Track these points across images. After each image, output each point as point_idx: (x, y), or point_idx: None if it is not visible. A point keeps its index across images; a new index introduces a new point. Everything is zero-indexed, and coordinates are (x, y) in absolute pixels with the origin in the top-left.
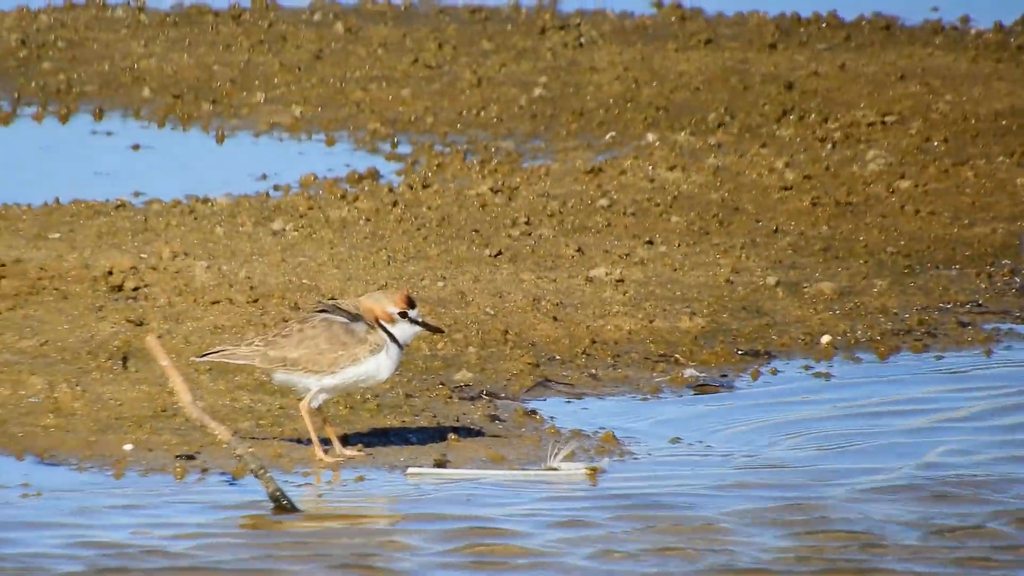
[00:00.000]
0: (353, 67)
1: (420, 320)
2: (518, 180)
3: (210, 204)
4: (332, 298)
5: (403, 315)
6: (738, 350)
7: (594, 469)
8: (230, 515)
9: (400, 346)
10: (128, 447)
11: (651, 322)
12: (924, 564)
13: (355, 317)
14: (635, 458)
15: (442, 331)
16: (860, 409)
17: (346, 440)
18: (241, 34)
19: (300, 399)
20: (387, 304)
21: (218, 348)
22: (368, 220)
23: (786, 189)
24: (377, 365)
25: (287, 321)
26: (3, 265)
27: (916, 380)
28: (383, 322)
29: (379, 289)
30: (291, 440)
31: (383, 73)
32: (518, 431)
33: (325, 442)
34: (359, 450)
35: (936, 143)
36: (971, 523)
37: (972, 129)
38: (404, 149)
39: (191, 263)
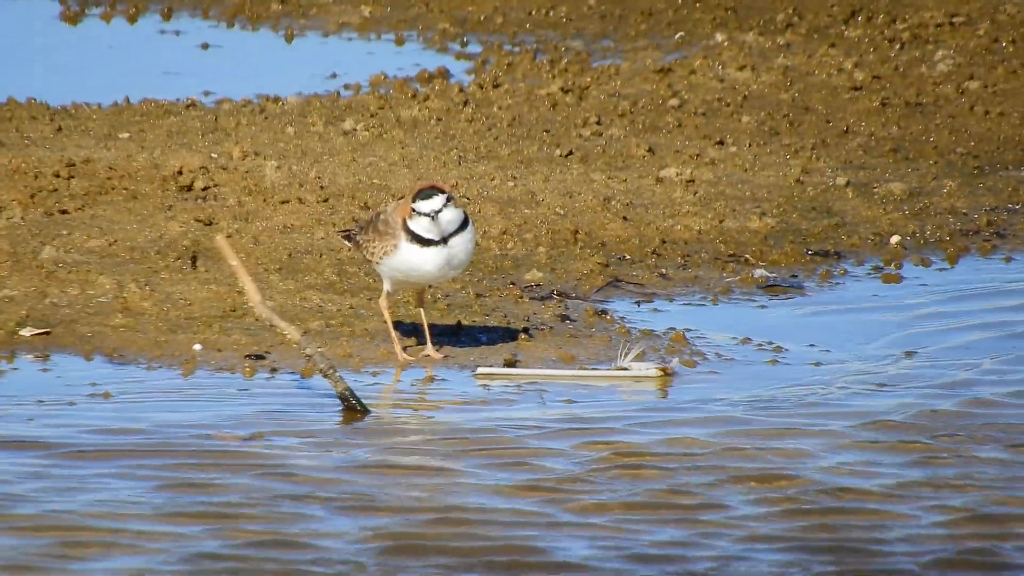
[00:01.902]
0: None
1: (422, 211)
2: (588, 80)
3: (280, 103)
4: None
5: (413, 209)
6: (808, 250)
7: (665, 369)
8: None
9: (435, 242)
10: (197, 347)
11: (721, 222)
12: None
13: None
14: (705, 359)
15: (433, 214)
16: (929, 310)
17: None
18: None
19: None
20: (409, 200)
21: (345, 229)
22: (439, 120)
23: (855, 89)
24: (409, 260)
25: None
26: (72, 165)
27: (982, 282)
28: (408, 218)
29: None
30: (360, 339)
31: None
32: (588, 331)
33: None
34: (437, 351)
35: (1004, 44)
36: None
37: None
38: (474, 49)
39: (261, 163)
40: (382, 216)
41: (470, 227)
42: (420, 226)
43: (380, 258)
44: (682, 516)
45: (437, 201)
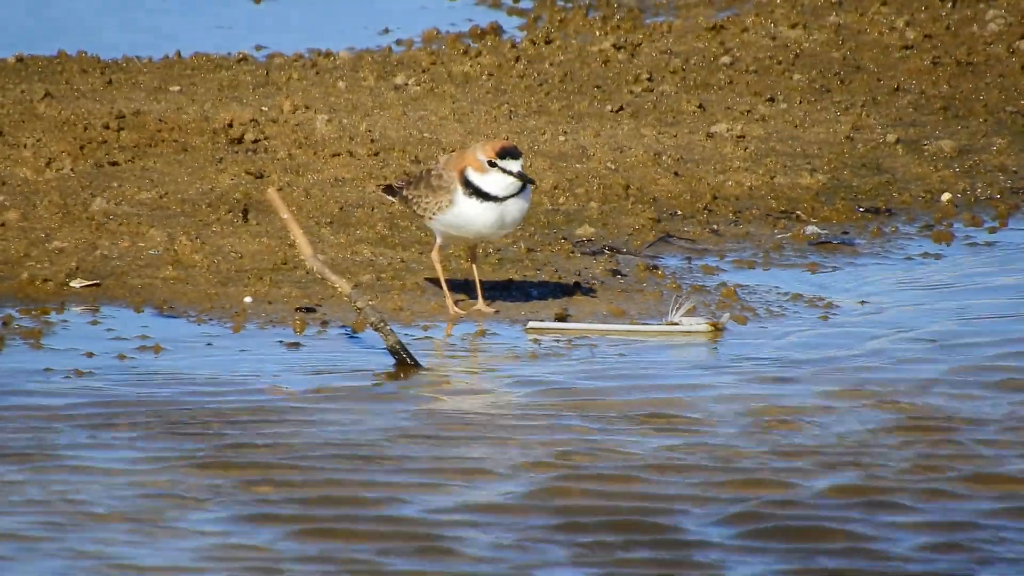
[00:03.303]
0: None
1: (511, 170)
2: (640, 36)
3: (332, 58)
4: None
5: (492, 164)
6: (859, 207)
7: (716, 324)
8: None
9: (494, 198)
10: (248, 299)
11: (772, 178)
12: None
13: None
14: (755, 314)
15: (534, 182)
16: (980, 268)
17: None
18: None
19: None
20: (478, 152)
21: (386, 184)
22: (490, 75)
23: (907, 48)
24: (465, 214)
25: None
26: (122, 117)
27: None
28: (473, 171)
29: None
30: (411, 293)
31: None
32: (639, 286)
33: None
34: (488, 305)
35: None
36: None
37: None
38: (526, 5)
39: (312, 116)
40: (434, 171)
41: (528, 190)
42: (492, 182)
43: (433, 213)
44: None
45: (520, 162)
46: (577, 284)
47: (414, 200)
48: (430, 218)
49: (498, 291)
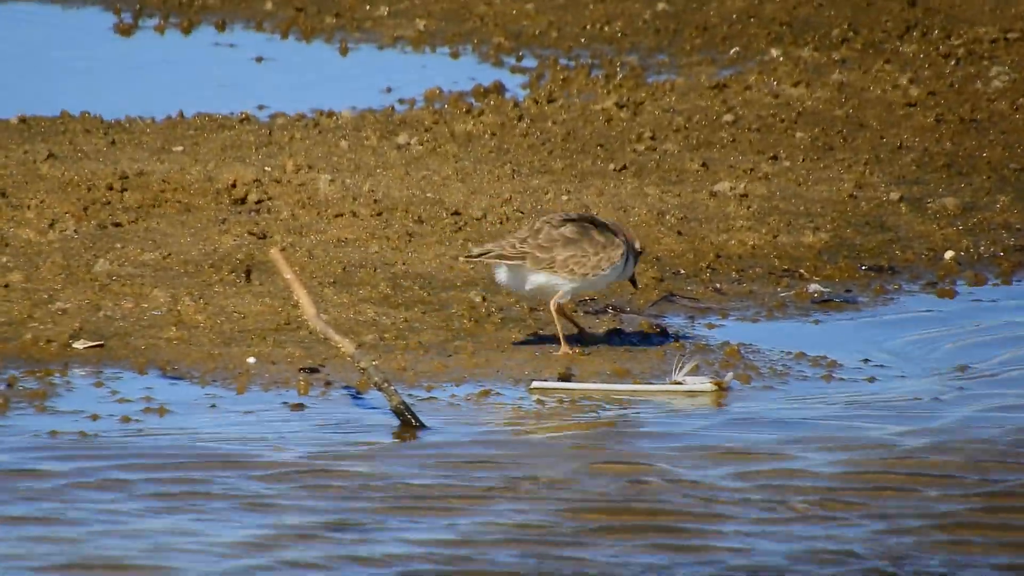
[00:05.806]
0: None
1: (632, 272)
2: (643, 95)
3: (334, 117)
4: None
5: (636, 256)
6: (862, 265)
7: (719, 384)
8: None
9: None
10: (251, 360)
11: (775, 237)
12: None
13: (611, 229)
14: (759, 373)
15: (636, 286)
16: (983, 325)
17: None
18: None
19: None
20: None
21: (487, 249)
22: (493, 134)
23: (910, 105)
24: (619, 270)
25: (533, 226)
26: (126, 178)
27: None
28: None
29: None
30: (415, 353)
31: None
32: (642, 345)
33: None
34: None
35: None
36: None
37: None
38: (528, 63)
39: (315, 176)
40: (599, 232)
41: None
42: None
43: (604, 267)
44: None
45: None
46: (581, 342)
47: (572, 258)
48: (585, 274)
49: (501, 351)
